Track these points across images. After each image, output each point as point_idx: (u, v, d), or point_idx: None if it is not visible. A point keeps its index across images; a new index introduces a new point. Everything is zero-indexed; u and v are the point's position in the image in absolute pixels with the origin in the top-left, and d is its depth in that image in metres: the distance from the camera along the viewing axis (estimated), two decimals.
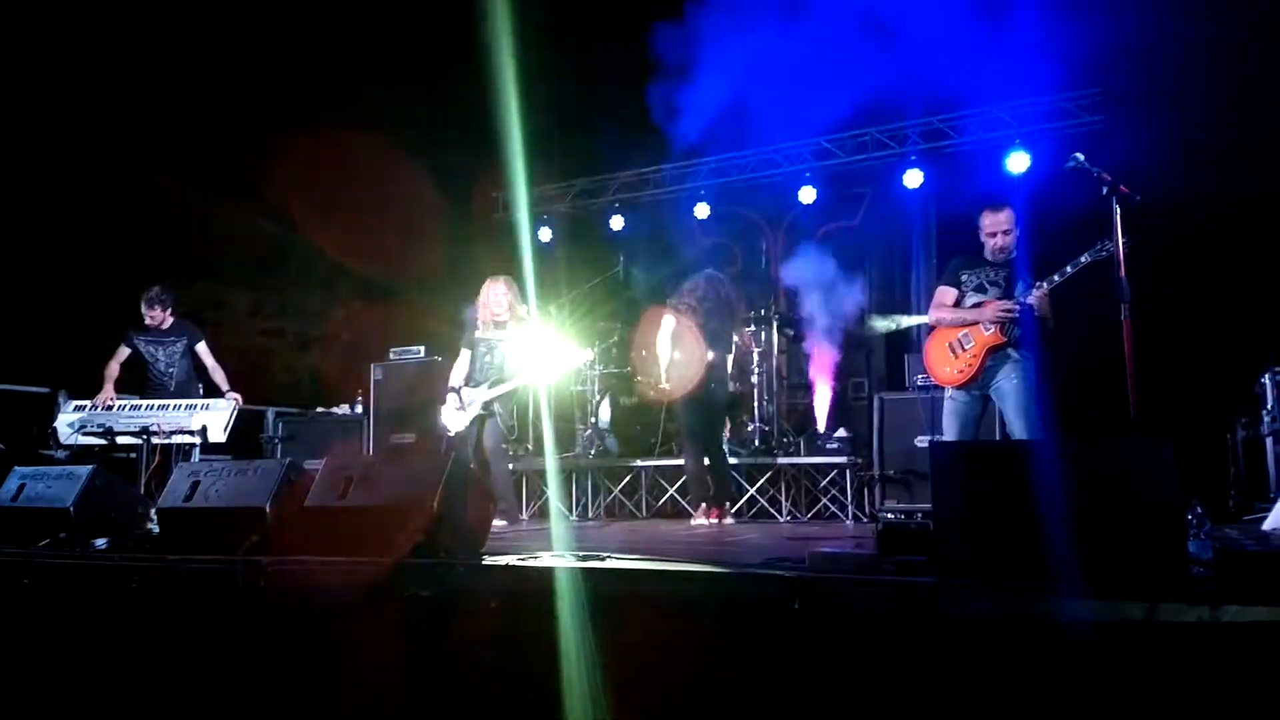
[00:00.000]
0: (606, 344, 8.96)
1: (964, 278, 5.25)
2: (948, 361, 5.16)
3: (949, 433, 5.20)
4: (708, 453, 6.74)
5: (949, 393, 5.22)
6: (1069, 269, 4.76)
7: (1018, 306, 4.95)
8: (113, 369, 7.16)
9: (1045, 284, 4.86)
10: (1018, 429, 4.90)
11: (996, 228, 5.14)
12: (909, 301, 9.17)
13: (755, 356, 8.28)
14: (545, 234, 10.63)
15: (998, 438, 5.68)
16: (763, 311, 8.49)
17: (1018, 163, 8.37)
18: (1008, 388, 4.98)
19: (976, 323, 5.06)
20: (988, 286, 5.15)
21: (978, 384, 5.08)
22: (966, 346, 5.08)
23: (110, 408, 6.81)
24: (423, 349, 8.99)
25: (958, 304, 5.23)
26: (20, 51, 8.23)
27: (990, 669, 2.50)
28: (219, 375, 7.31)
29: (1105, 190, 4.34)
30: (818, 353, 8.68)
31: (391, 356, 9.10)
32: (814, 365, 8.70)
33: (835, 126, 9.22)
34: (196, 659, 3.58)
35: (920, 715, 2.56)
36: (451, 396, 6.86)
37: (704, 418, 6.77)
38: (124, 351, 7.22)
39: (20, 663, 3.89)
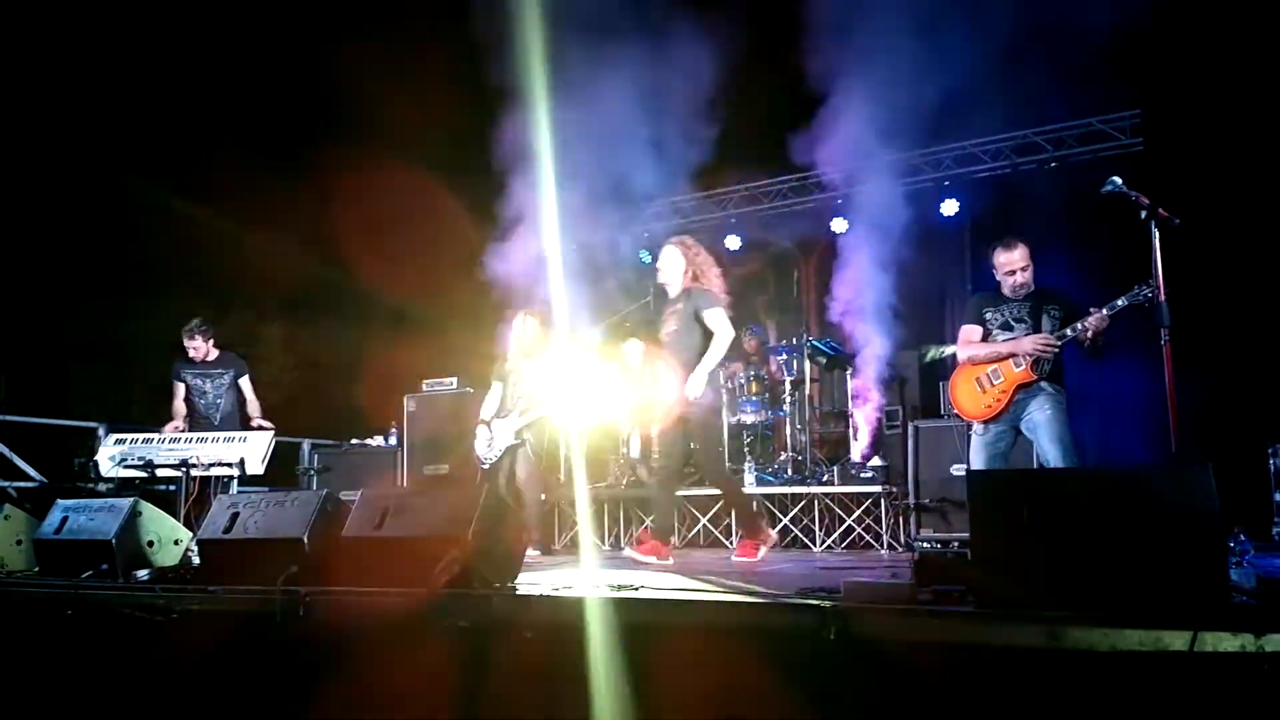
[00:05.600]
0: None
1: (988, 316, 5.16)
2: (975, 396, 5.07)
3: (976, 466, 5.11)
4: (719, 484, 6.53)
5: (976, 427, 5.13)
6: (1112, 307, 4.66)
7: (1058, 343, 4.86)
8: (179, 406, 7.29)
9: (1091, 323, 4.72)
10: (1053, 457, 4.81)
11: (1012, 265, 5.04)
12: (944, 331, 9.09)
13: (788, 385, 8.24)
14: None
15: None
16: (794, 340, 8.46)
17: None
18: (1041, 419, 4.89)
19: (1011, 356, 4.94)
20: (1013, 324, 5.07)
21: (1007, 417, 5.00)
22: (995, 382, 5.00)
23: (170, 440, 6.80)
24: (455, 381, 9.05)
25: (985, 341, 5.16)
26: (56, 85, 8.40)
27: (1030, 699, 2.47)
28: (254, 407, 7.40)
29: (1144, 214, 4.30)
30: (851, 381, 8.63)
31: (425, 388, 9.17)
32: (846, 394, 8.65)
33: None
34: (236, 688, 3.61)
35: None
36: (482, 429, 6.92)
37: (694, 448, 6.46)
38: (180, 387, 7.33)
39: (65, 692, 3.94)
